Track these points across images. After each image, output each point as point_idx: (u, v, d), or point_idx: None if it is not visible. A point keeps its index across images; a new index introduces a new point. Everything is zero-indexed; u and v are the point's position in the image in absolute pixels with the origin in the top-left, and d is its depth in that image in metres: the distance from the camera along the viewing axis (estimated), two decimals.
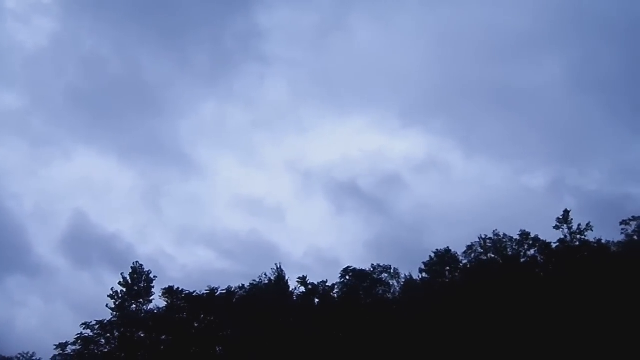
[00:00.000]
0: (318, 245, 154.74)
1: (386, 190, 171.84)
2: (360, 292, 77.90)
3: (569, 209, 77.84)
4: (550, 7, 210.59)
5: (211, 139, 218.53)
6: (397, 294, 78.36)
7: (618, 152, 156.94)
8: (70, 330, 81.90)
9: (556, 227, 76.52)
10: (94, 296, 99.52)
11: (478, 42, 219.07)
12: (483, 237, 78.15)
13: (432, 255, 78.75)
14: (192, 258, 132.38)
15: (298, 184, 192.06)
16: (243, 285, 79.86)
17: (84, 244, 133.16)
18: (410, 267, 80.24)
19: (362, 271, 78.80)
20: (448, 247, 78.67)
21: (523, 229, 77.33)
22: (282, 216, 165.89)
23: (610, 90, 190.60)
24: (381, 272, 78.41)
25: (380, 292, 78.13)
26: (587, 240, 76.13)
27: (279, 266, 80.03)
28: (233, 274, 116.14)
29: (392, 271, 78.20)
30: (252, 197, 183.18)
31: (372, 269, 78.61)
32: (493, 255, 77.56)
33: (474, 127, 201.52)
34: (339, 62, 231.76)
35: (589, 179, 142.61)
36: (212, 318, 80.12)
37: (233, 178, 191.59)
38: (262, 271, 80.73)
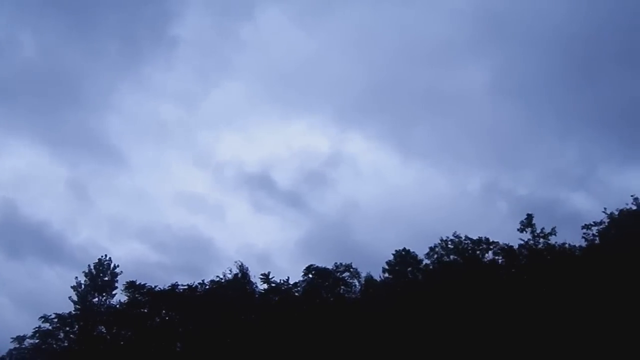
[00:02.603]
0: (251, 242, 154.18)
1: (320, 192, 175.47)
2: (322, 291, 77.55)
3: (531, 213, 77.95)
4: (473, 13, 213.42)
5: (141, 132, 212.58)
6: (358, 293, 78.08)
7: (546, 157, 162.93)
8: (13, 322, 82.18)
9: (520, 230, 76.52)
10: (33, 288, 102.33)
11: (404, 46, 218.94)
12: (445, 238, 78.09)
13: (393, 255, 78.60)
14: (126, 251, 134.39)
15: (230, 181, 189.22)
16: (203, 281, 79.27)
17: (13, 234, 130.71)
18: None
19: (324, 269, 78.47)
20: (407, 248, 78.80)
21: (458, 231, 78.64)
22: (216, 213, 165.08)
23: (534, 95, 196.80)
24: (343, 271, 78.09)
25: (342, 291, 77.76)
26: (551, 244, 76.00)
27: (241, 263, 79.64)
28: (169, 268, 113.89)
29: (352, 270, 77.72)
30: (188, 193, 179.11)
31: (334, 268, 78.22)
32: (455, 257, 77.48)
33: (409, 131, 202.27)
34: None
35: (521, 183, 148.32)
36: (173, 314, 79.63)
37: (167, 173, 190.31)
38: (199, 266, 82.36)
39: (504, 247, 75.42)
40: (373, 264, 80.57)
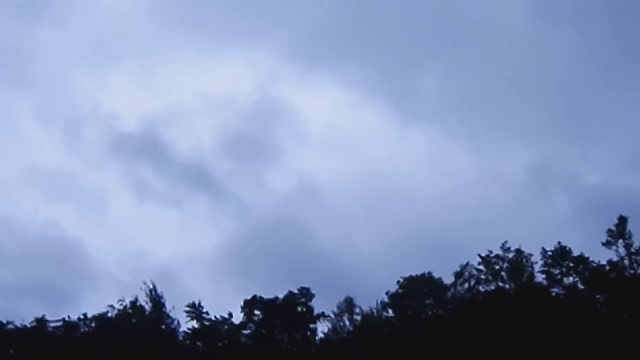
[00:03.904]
0: (143, 249, 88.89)
1: (255, 169, 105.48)
2: (283, 336, 47.72)
3: (625, 216, 49.71)
4: None
5: None
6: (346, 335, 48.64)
7: (631, 127, 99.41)
8: None
9: (607, 244, 48.08)
10: None
11: None
12: (488, 254, 49.69)
13: (401, 281, 49.73)
14: None
15: (108, 149, 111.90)
16: (85, 315, 48.98)
17: None
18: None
19: (276, 302, 49.02)
20: (429, 272, 50.96)
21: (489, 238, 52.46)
22: (87, 202, 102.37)
23: (610, 22, 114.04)
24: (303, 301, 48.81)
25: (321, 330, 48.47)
26: None
27: (152, 287, 49.44)
28: (10, 289, 63.26)
29: (342, 306, 48.61)
30: (43, 169, 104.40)
31: (302, 298, 48.66)
32: (503, 284, 48.67)
33: (409, 79, 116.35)
34: None
35: (592, 167, 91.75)
36: None
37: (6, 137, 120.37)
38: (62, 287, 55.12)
39: (593, 268, 48.17)
40: (353, 288, 51.59)
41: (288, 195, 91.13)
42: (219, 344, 48.21)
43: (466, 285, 50.79)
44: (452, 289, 49.37)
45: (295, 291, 48.76)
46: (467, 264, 49.27)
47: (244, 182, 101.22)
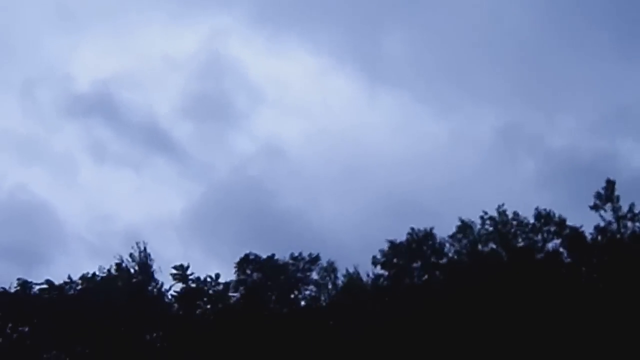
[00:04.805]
0: (110, 212, 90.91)
1: (220, 132, 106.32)
2: (273, 296, 47.32)
3: (612, 179, 49.65)
4: None
5: None
6: (333, 298, 48.30)
7: (606, 88, 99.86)
8: None
9: (594, 208, 47.84)
10: None
11: None
12: (484, 215, 49.71)
13: (394, 241, 48.73)
14: None
15: (65, 109, 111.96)
16: (70, 278, 48.30)
17: None
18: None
19: (272, 262, 48.46)
20: (430, 228, 49.64)
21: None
22: (52, 164, 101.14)
23: None
24: (307, 266, 48.07)
25: (307, 294, 47.87)
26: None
27: (142, 248, 48.66)
28: None
29: (325, 264, 47.79)
30: (18, 134, 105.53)
31: (291, 260, 48.14)
32: (494, 246, 48.50)
33: (376, 42, 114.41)
34: None
35: (559, 128, 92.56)
36: (27, 330, 48.53)
37: None
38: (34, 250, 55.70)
39: (573, 234, 46.79)
40: (321, 249, 50.07)
41: (253, 157, 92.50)
42: (208, 306, 47.85)
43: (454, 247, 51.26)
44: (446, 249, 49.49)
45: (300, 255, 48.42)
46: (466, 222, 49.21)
47: (208, 145, 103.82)
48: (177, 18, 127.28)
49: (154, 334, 48.56)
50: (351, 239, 59.86)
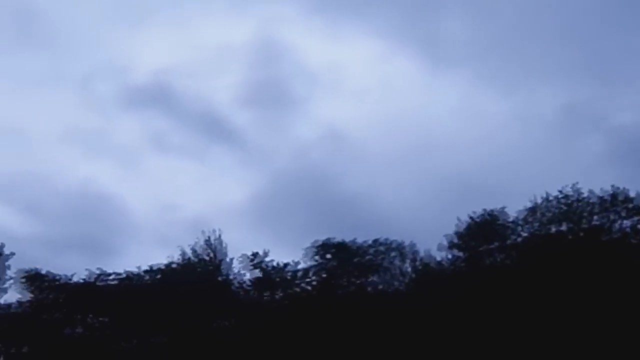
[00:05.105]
0: (173, 202, 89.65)
1: (281, 118, 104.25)
2: (349, 282, 47.26)
3: None
4: None
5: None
6: (409, 283, 47.96)
7: None
8: None
9: None
10: None
11: None
12: (552, 195, 48.25)
13: (471, 220, 48.24)
14: None
15: (124, 100, 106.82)
16: (151, 267, 48.39)
17: None
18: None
19: (348, 247, 48.16)
20: (500, 208, 48.46)
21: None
22: (121, 158, 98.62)
23: None
24: (382, 249, 47.84)
25: (383, 279, 47.62)
26: None
27: (217, 235, 48.91)
28: (55, 244, 65.60)
29: (403, 248, 47.32)
30: (73, 125, 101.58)
31: (366, 245, 47.89)
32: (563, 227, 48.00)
33: (434, 23, 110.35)
34: None
35: (626, 104, 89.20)
36: (105, 320, 49.11)
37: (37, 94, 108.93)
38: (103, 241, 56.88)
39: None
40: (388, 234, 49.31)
41: (315, 142, 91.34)
42: (285, 293, 47.89)
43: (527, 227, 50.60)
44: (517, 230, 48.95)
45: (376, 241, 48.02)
46: (536, 204, 48.66)
47: (268, 131, 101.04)
48: (234, 6, 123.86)
49: (232, 320, 48.75)
50: (417, 222, 59.30)
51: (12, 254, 49.14)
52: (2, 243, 49.31)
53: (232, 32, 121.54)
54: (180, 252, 49.09)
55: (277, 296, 47.96)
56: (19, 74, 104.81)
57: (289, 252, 60.30)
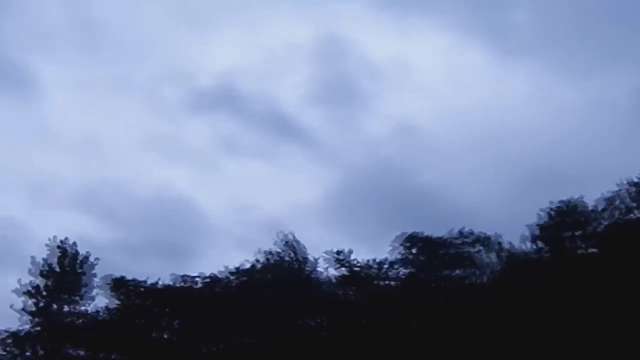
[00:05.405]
0: (248, 203, 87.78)
1: (351, 115, 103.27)
2: (436, 276, 46.88)
3: None
4: None
5: (56, 38, 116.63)
6: (495, 275, 47.41)
7: None
8: None
9: None
10: None
11: None
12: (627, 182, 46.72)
13: (551, 211, 47.41)
14: (56, 226, 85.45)
15: (193, 104, 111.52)
16: (238, 269, 48.56)
17: None
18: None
19: (434, 241, 47.72)
20: (579, 197, 47.02)
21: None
22: (196, 161, 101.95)
23: None
24: (470, 241, 47.34)
25: (470, 272, 47.19)
26: None
27: (292, 237, 48.76)
28: (135, 249, 67.51)
29: (491, 239, 46.84)
30: (150, 131, 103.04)
31: (456, 237, 47.39)
32: None
33: (504, 15, 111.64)
34: None
35: None
36: (189, 323, 49.18)
37: (112, 102, 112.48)
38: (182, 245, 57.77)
39: None
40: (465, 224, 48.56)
41: (386, 137, 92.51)
42: (371, 289, 47.59)
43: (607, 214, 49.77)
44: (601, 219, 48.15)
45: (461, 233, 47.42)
46: (617, 192, 47.87)
47: (338, 129, 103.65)
48: (298, 5, 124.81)
49: (318, 320, 48.62)
50: (492, 212, 59.11)
51: (97, 259, 49.56)
52: (87, 251, 49.75)
53: (297, 31, 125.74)
54: (263, 253, 48.83)
55: (363, 293, 47.48)
56: (89, 85, 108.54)
57: (368, 248, 60.71)
